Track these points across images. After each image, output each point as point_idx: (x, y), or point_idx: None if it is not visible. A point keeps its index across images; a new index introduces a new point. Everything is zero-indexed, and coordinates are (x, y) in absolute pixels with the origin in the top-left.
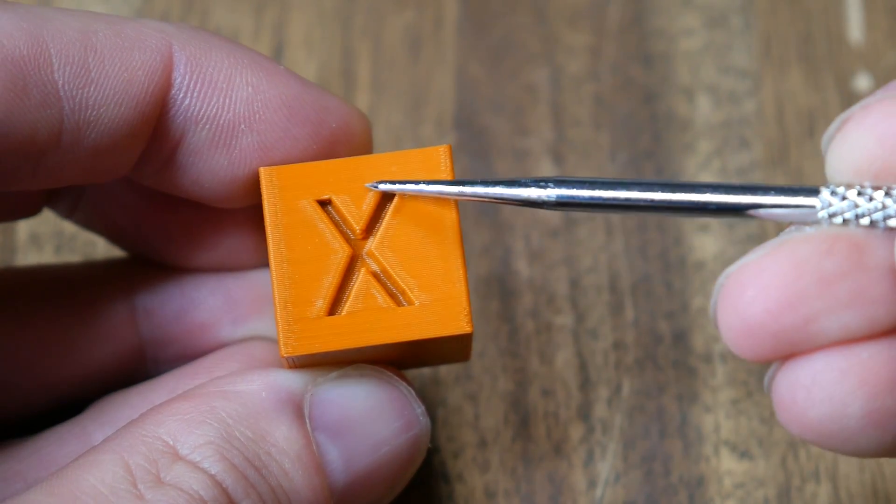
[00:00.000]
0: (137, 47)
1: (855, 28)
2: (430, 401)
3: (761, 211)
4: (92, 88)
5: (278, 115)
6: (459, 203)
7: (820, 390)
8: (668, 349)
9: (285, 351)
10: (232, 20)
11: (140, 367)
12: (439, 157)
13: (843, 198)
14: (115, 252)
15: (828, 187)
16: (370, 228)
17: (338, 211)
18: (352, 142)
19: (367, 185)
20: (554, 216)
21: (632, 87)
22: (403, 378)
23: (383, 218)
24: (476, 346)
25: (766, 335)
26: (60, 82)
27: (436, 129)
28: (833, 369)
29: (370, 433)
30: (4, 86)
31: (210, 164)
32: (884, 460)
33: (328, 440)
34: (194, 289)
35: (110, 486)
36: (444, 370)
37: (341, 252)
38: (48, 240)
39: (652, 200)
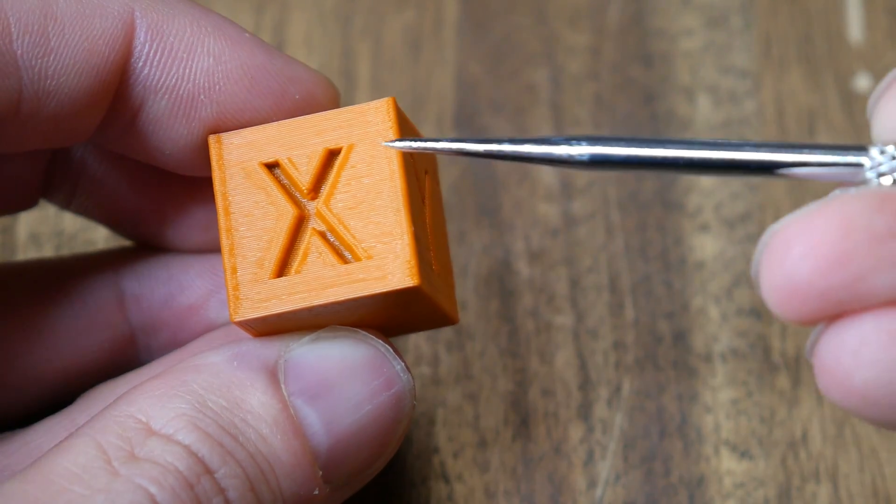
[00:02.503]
0: (98, 14)
1: (855, 28)
2: (430, 401)
3: (804, 170)
4: (52, 58)
5: (239, 87)
6: (451, 175)
7: (868, 353)
8: (668, 349)
9: (234, 316)
10: (232, 20)
11: (132, 355)
12: (384, 112)
13: (894, 157)
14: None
15: (876, 146)
16: (317, 188)
17: (285, 172)
18: (317, 111)
19: (384, 143)
20: (554, 215)
21: (632, 87)
22: (381, 337)
23: (329, 177)
24: (476, 346)
25: (813, 294)
26: (19, 52)
27: (436, 128)
28: (882, 331)
29: (349, 393)
30: None
31: (170, 133)
32: (884, 460)
33: (305, 403)
34: (181, 273)
35: (83, 465)
36: (445, 370)
37: (288, 213)
38: (48, 239)
39: (690, 159)
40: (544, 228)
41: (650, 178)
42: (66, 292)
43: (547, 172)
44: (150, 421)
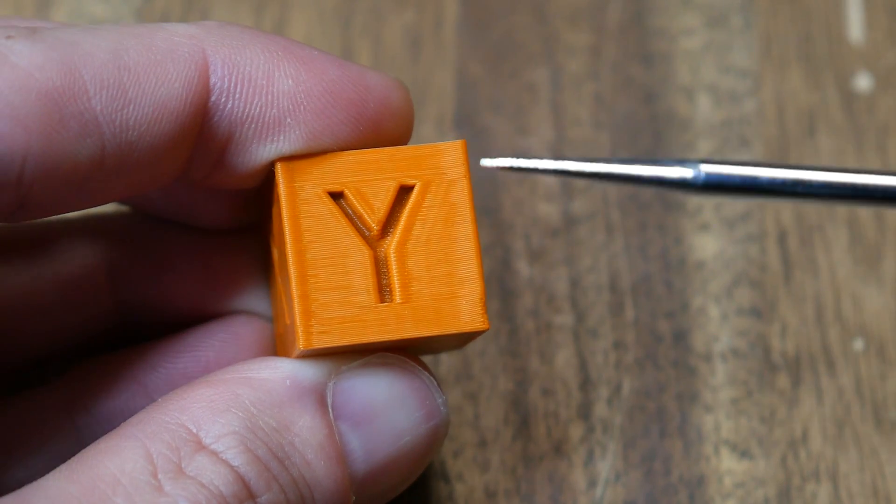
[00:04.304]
0: (171, 59)
1: (855, 28)
2: None
3: None
4: (130, 109)
5: (321, 102)
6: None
7: None
8: (668, 349)
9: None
10: (232, 20)
11: (117, 330)
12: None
13: None
14: None
15: None
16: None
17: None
18: (394, 114)
19: (483, 162)
20: (554, 215)
21: (632, 87)
22: (426, 368)
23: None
24: (476, 346)
25: None
26: (98, 108)
27: (436, 128)
28: None
29: (392, 423)
30: (41, 120)
31: (262, 161)
32: (884, 460)
33: (350, 429)
34: (171, 253)
35: (130, 475)
36: (444, 370)
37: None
38: None
39: (818, 183)
40: (544, 228)
41: None
42: (52, 263)
43: None
44: (200, 433)
